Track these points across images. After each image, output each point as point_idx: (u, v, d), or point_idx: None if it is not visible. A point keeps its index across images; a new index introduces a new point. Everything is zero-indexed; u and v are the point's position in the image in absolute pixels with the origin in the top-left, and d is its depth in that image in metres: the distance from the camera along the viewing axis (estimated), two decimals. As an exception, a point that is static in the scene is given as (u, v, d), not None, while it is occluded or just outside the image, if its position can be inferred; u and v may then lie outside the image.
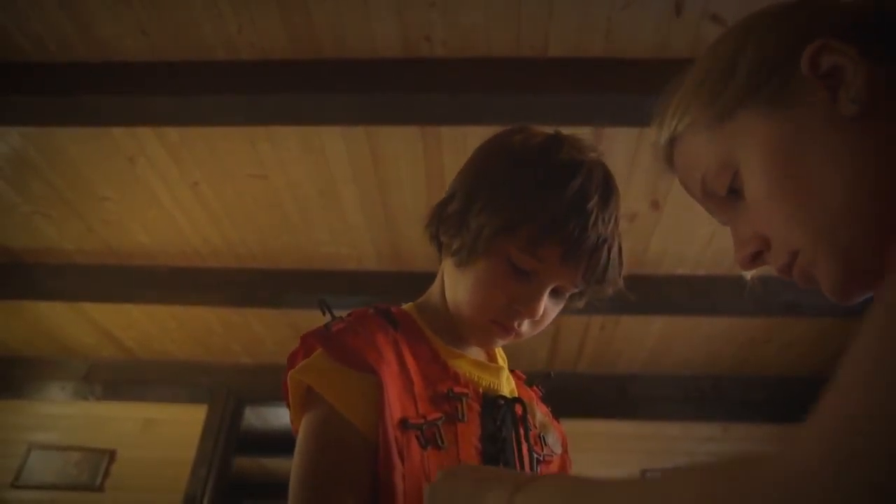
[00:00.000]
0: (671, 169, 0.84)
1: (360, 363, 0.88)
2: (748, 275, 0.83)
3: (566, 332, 4.15)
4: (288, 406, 0.94)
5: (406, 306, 1.07)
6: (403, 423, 0.87)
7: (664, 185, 2.93)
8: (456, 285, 1.01)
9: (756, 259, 0.75)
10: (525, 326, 0.99)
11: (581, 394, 4.56)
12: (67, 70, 2.50)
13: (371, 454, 0.86)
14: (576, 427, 4.36)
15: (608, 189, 0.98)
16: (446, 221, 1.00)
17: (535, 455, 1.01)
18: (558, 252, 0.92)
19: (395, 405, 0.87)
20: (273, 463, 6.13)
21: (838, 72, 0.64)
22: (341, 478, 0.85)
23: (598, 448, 4.39)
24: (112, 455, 4.53)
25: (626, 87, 2.31)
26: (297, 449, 0.89)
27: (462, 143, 2.72)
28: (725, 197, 0.75)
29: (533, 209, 0.92)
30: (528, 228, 0.91)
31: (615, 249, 0.97)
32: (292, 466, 0.87)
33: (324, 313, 0.99)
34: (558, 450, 1.08)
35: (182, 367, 4.83)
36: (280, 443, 5.56)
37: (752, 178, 0.70)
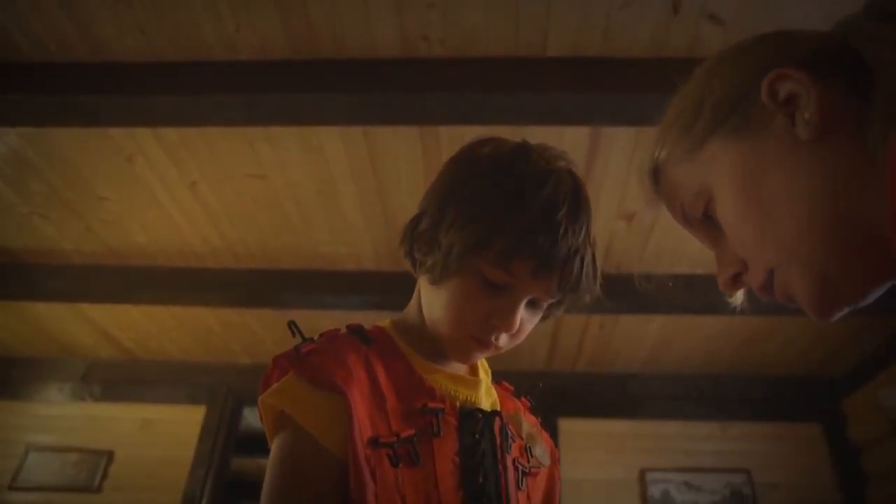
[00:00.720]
0: (658, 198, 0.88)
1: (328, 383, 0.89)
2: (736, 299, 0.88)
3: (565, 331, 4.16)
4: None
5: (383, 323, 1.07)
6: (374, 442, 0.87)
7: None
8: (432, 303, 1.01)
9: (737, 281, 0.80)
10: (503, 340, 0.99)
11: (580, 393, 4.58)
12: (66, 70, 2.50)
13: (341, 474, 0.86)
14: (574, 426, 4.44)
15: (577, 198, 0.97)
16: (418, 239, 1.00)
17: (520, 467, 1.01)
18: (530, 265, 0.91)
19: (365, 424, 0.87)
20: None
21: (795, 98, 0.68)
22: (310, 499, 0.85)
23: (597, 447, 4.42)
24: (110, 456, 4.54)
25: (625, 86, 2.31)
26: (268, 470, 0.89)
27: (461, 142, 2.69)
28: (704, 223, 0.80)
29: (501, 224, 0.91)
30: (498, 243, 0.91)
31: (588, 258, 0.97)
32: (263, 486, 0.88)
33: (293, 335, 0.99)
34: (546, 461, 1.08)
35: (181, 368, 4.85)
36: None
37: (723, 203, 0.75)
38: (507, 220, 0.91)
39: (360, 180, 3.05)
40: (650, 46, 2.32)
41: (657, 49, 2.32)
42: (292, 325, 1.00)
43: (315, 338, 0.98)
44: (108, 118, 2.59)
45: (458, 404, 0.98)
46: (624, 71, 2.33)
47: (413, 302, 1.09)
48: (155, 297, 3.83)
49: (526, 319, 0.99)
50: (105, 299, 3.98)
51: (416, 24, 2.30)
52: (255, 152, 2.94)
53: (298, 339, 0.97)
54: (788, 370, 4.49)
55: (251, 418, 5.50)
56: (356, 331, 1.01)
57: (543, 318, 1.04)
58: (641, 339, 4.24)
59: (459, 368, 1.06)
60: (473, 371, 1.09)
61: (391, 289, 3.57)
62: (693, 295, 3.47)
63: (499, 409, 1.06)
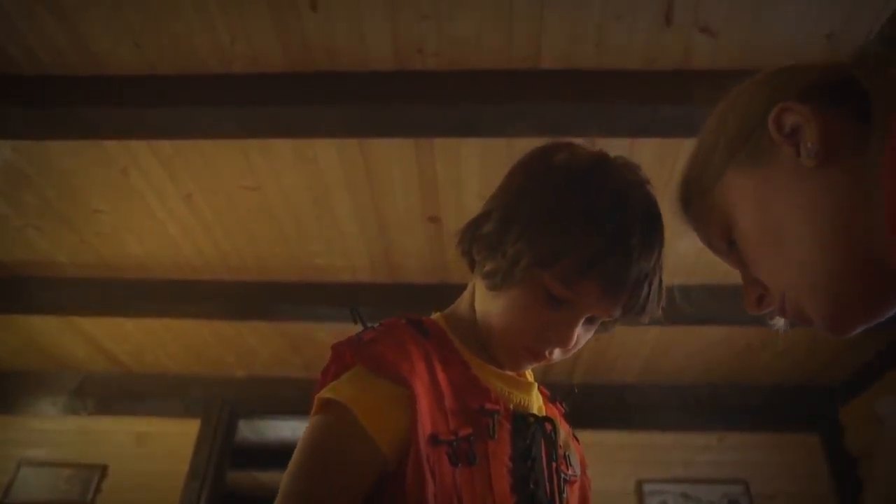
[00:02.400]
0: (689, 226, 0.93)
1: (393, 374, 0.87)
2: (779, 326, 0.90)
3: (561, 342, 4.15)
4: None
5: (435, 316, 1.06)
6: (434, 439, 0.85)
7: (657, 194, 2.94)
8: (488, 307, 1.00)
9: (761, 302, 0.84)
10: (556, 353, 0.99)
11: (577, 403, 4.53)
12: (61, 83, 2.51)
13: (377, 468, 0.85)
14: None
15: (652, 221, 0.97)
16: (479, 241, 0.99)
17: (563, 475, 1.00)
18: (598, 287, 0.91)
19: (426, 419, 0.86)
20: (267, 476, 6.12)
21: (798, 130, 0.73)
22: (338, 485, 0.84)
23: (594, 458, 4.28)
24: (104, 470, 4.51)
25: (618, 97, 2.33)
26: (300, 445, 0.87)
27: (455, 152, 2.75)
28: (729, 249, 0.84)
29: (573, 244, 0.89)
30: (567, 261, 0.89)
31: (656, 283, 0.97)
32: (291, 461, 0.86)
33: (355, 322, 0.98)
34: (579, 471, 1.07)
35: (175, 380, 4.83)
36: (274, 456, 5.55)
37: (740, 231, 0.81)
38: (580, 240, 0.89)
39: (355, 191, 3.06)
40: (643, 58, 2.34)
41: (649, 61, 2.35)
42: (355, 312, 0.99)
43: (376, 325, 0.96)
44: (102, 131, 2.60)
45: (511, 407, 0.97)
46: (617, 82, 2.35)
47: (465, 298, 1.08)
48: (149, 309, 3.82)
49: (581, 335, 0.99)
50: (99, 312, 3.97)
51: (411, 37, 2.32)
52: (249, 164, 2.95)
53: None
54: (786, 380, 4.50)
55: (246, 431, 5.50)
56: (416, 322, 0.99)
57: (597, 332, 1.04)
58: (638, 349, 4.25)
59: (510, 370, 1.05)
60: (521, 373, 1.07)
61: (387, 301, 3.58)
62: (689, 305, 3.49)
63: (545, 413, 1.05)
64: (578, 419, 4.43)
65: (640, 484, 4.30)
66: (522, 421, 0.97)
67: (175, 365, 4.76)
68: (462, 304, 1.08)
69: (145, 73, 2.51)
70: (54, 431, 4.71)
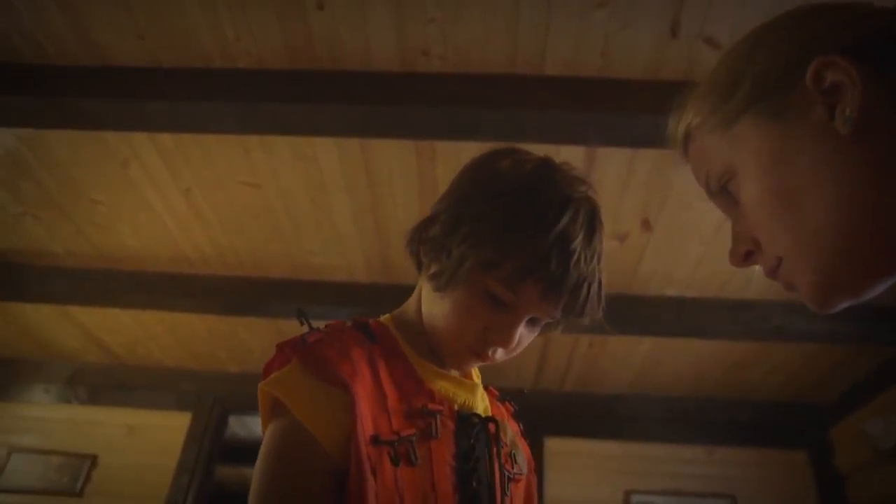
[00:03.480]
0: (686, 161, 0.86)
1: (333, 377, 0.88)
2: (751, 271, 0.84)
3: (554, 350, 4.15)
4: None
5: (384, 318, 1.07)
6: (375, 440, 0.87)
7: (655, 205, 2.94)
8: (433, 308, 1.01)
9: (748, 258, 0.78)
10: (499, 353, 1.00)
11: (567, 413, 4.56)
12: (64, 73, 2.50)
13: (331, 471, 0.86)
14: (560, 446, 4.42)
15: (593, 226, 0.97)
16: (427, 243, 1.01)
17: (507, 473, 1.01)
18: (539, 289, 0.93)
19: (367, 421, 0.87)
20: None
21: (839, 89, 0.65)
22: (298, 492, 0.85)
23: (583, 467, 4.39)
24: (94, 460, 4.49)
25: (621, 107, 2.32)
26: (259, 458, 0.89)
27: (456, 156, 2.73)
28: (724, 196, 0.78)
29: (517, 247, 0.91)
30: (509, 264, 0.92)
31: (595, 286, 0.97)
32: (253, 473, 0.88)
33: (301, 323, 0.99)
34: (525, 470, 1.08)
35: (168, 374, 4.81)
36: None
37: (746, 183, 0.74)
38: (523, 244, 0.91)
39: (354, 192, 3.05)
40: (647, 68, 2.33)
41: (654, 71, 2.33)
42: (300, 314, 1.00)
43: (322, 328, 0.98)
44: (104, 122, 2.58)
45: (455, 408, 0.99)
46: (620, 92, 2.34)
47: (413, 301, 1.09)
48: (144, 301, 3.80)
49: (524, 336, 1.00)
50: (94, 303, 3.94)
51: (417, 39, 2.30)
52: (249, 160, 2.93)
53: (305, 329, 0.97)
54: (776, 396, 4.48)
55: (237, 427, 5.47)
56: (362, 326, 1.01)
57: (540, 333, 1.05)
58: (630, 360, 4.22)
59: (456, 370, 1.07)
60: (467, 374, 1.09)
61: (382, 302, 3.55)
62: (683, 318, 3.48)
63: (491, 414, 1.06)
64: (569, 427, 4.41)
65: (627, 494, 4.28)
66: (466, 421, 0.98)
67: (168, 358, 4.73)
68: (410, 305, 1.09)
69: (148, 65, 2.50)
70: (46, 420, 4.69)
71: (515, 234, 0.92)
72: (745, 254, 0.78)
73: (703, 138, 0.79)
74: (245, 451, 5.75)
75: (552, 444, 4.36)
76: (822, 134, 0.66)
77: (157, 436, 4.58)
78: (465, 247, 0.93)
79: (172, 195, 3.19)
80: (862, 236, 0.65)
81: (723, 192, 0.78)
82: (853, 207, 0.64)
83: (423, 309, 1.04)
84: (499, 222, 0.93)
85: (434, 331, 1.02)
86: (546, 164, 1.01)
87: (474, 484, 0.93)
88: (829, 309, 0.71)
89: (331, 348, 0.92)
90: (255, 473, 0.87)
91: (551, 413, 4.46)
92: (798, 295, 0.73)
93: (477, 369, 1.13)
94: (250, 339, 4.35)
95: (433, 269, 0.99)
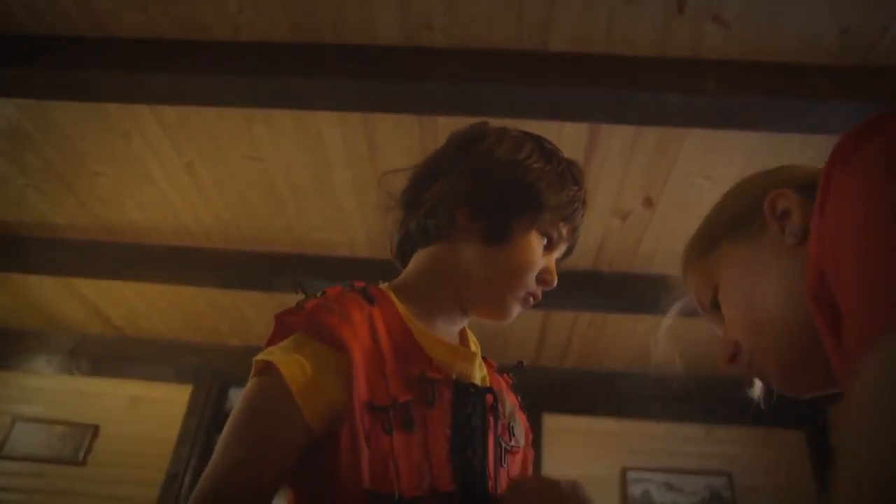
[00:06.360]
0: (689, 292, 1.06)
1: (332, 338, 0.89)
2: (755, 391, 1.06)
3: (554, 328, 4.15)
4: None
5: (382, 286, 1.08)
6: (370, 406, 0.87)
7: (658, 183, 2.92)
8: (489, 263, 1.06)
9: (732, 359, 0.94)
10: (540, 294, 1.11)
11: (566, 389, 4.57)
12: (65, 43, 2.48)
13: (302, 430, 0.86)
14: (559, 423, 4.43)
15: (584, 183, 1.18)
16: (475, 202, 1.07)
17: (504, 445, 1.03)
18: (571, 229, 1.13)
19: (362, 386, 0.88)
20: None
21: (787, 213, 0.84)
22: (262, 440, 0.86)
23: (580, 444, 4.41)
24: (95, 430, 4.52)
25: (625, 83, 2.30)
26: (234, 408, 0.90)
27: None
28: (714, 311, 0.96)
29: (559, 197, 1.08)
30: (553, 212, 1.07)
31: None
32: (231, 415, 0.89)
33: (296, 292, 1.01)
34: (522, 442, 1.10)
35: (169, 346, 4.82)
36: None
37: (724, 293, 0.92)
38: (561, 195, 1.09)
39: (357, 167, 3.04)
40: (653, 45, 2.30)
41: (659, 48, 2.31)
42: (297, 285, 1.04)
43: (319, 294, 0.99)
44: (105, 94, 2.57)
45: (453, 377, 0.99)
46: (624, 68, 2.32)
47: (415, 268, 1.13)
48: (146, 274, 3.81)
49: None
50: (96, 275, 3.96)
51: (420, 13, 2.28)
52: (252, 134, 2.92)
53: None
54: (775, 375, 4.48)
55: (237, 399, 5.49)
56: (360, 289, 1.02)
57: (553, 306, 1.16)
58: (630, 338, 4.23)
59: (454, 339, 1.10)
60: (464, 343, 1.12)
61: (384, 277, 3.54)
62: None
63: (489, 384, 1.07)
64: (568, 404, 4.41)
65: (624, 471, 4.30)
66: (464, 391, 0.99)
67: (169, 331, 4.75)
68: (411, 274, 1.13)
69: (151, 37, 2.47)
70: (49, 390, 4.72)
71: (556, 188, 1.08)
72: (729, 355, 0.94)
73: (694, 264, 0.99)
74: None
75: (550, 421, 4.37)
76: (775, 247, 0.84)
77: (158, 408, 4.61)
78: (521, 198, 1.06)
79: (175, 168, 3.17)
80: (805, 328, 0.75)
81: (713, 306, 0.95)
82: (797, 304, 0.78)
83: (470, 267, 1.07)
84: (543, 179, 1.07)
85: (491, 285, 1.07)
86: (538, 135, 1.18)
87: (468, 454, 0.94)
88: (798, 395, 0.87)
89: (330, 312, 0.92)
90: (228, 422, 0.88)
91: (550, 390, 4.46)
92: (772, 385, 0.90)
93: (475, 339, 1.16)
94: (252, 314, 4.36)
95: (481, 225, 1.06)
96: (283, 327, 0.97)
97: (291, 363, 0.88)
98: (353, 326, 0.91)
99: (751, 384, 1.03)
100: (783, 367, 0.84)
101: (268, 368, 0.89)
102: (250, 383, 0.91)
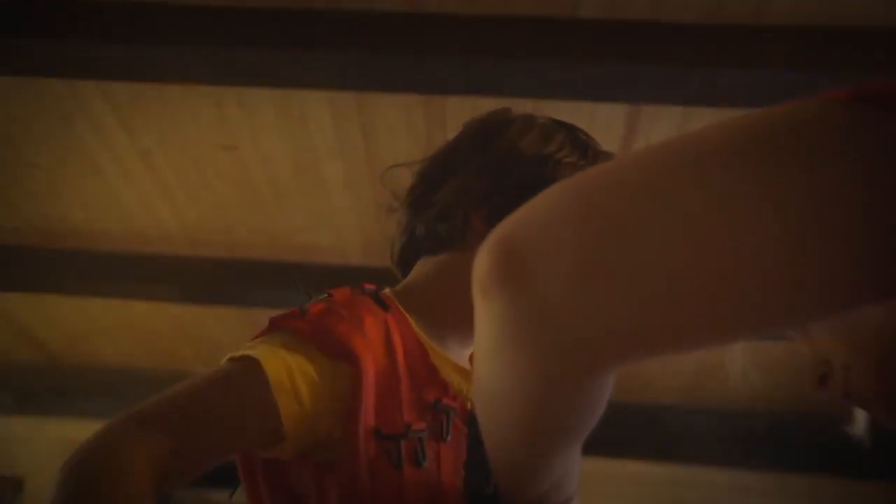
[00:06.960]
0: None
1: (338, 348, 0.92)
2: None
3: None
4: None
5: (386, 292, 1.10)
6: (377, 433, 0.91)
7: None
8: None
9: (822, 381, 0.89)
10: None
11: (602, 425, 4.45)
12: (-4, 7, 2.45)
13: (268, 438, 0.90)
14: (592, 466, 4.34)
15: None
16: (495, 204, 1.06)
17: None
18: None
19: (371, 409, 0.91)
20: (219, 496, 6.13)
21: None
22: (227, 417, 0.91)
23: (621, 494, 4.37)
24: (19, 485, 4.55)
25: (672, 57, 2.33)
26: (212, 372, 0.94)
27: (470, 116, 2.72)
28: None
29: None
30: None
31: None
32: (195, 377, 0.94)
33: (300, 289, 1.06)
34: None
35: (117, 377, 4.79)
36: (232, 472, 5.54)
37: None
38: None
39: (350, 157, 3.08)
40: (705, 10, 2.32)
41: (713, 14, 2.32)
42: (297, 281, 1.05)
43: (322, 297, 1.01)
44: (43, 67, 2.59)
45: (469, 407, 1.00)
46: (671, 38, 2.34)
47: (422, 278, 1.13)
48: (90, 288, 3.82)
49: None
50: (26, 288, 3.95)
51: (427, -28, 2.31)
52: (223, 117, 2.95)
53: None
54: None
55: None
56: (372, 292, 1.04)
57: None
58: (681, 361, 4.11)
59: (462, 358, 1.10)
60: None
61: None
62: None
63: None
64: (603, 444, 4.40)
65: (676, 528, 4.29)
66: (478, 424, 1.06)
67: (118, 357, 4.75)
68: (418, 283, 1.13)
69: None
70: (-42, 433, 4.67)
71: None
72: (819, 377, 0.89)
73: None
74: (211, 473, 5.81)
75: (584, 464, 4.29)
76: None
77: (102, 453, 4.59)
78: None
79: (128, 158, 3.19)
80: None
81: None
82: None
83: None
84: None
85: None
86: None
87: (486, 498, 0.98)
88: None
89: (339, 319, 0.94)
90: (198, 378, 0.93)
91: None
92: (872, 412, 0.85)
93: None
94: (222, 335, 4.34)
95: None
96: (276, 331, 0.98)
97: (276, 361, 0.90)
98: (366, 337, 0.93)
99: (849, 418, 0.93)
100: (886, 385, 0.76)
101: (250, 363, 0.91)
102: (225, 364, 0.94)
